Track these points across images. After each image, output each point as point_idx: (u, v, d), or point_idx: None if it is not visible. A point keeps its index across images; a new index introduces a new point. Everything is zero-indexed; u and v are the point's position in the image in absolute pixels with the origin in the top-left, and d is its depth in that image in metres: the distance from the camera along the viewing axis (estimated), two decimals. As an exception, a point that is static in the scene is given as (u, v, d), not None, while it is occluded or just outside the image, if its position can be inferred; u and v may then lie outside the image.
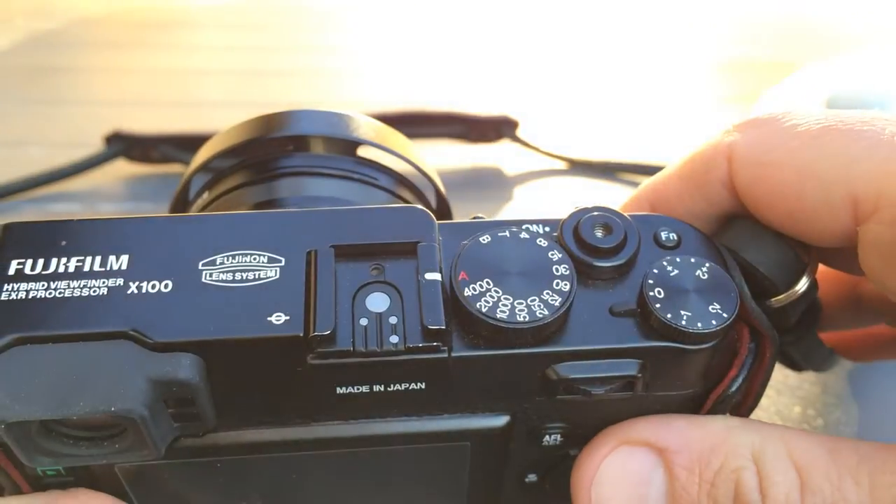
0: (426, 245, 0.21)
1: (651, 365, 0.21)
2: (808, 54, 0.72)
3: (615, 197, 0.53)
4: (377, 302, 0.20)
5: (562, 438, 0.23)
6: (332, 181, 0.28)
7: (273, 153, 0.29)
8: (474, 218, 0.23)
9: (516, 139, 0.56)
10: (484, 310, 0.19)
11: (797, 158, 0.21)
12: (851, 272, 0.25)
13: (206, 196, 0.29)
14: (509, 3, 0.88)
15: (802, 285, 0.23)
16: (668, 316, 0.20)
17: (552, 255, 0.21)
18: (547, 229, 0.22)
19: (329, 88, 0.68)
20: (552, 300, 0.20)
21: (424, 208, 0.22)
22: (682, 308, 0.20)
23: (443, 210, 0.31)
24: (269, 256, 0.20)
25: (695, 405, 0.23)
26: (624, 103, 0.66)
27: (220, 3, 0.86)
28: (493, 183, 0.55)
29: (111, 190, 0.52)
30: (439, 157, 0.56)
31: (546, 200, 0.53)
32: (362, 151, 0.30)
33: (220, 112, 0.59)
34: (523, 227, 0.22)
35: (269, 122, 0.29)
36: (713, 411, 0.23)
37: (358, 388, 0.20)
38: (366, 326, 0.19)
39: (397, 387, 0.20)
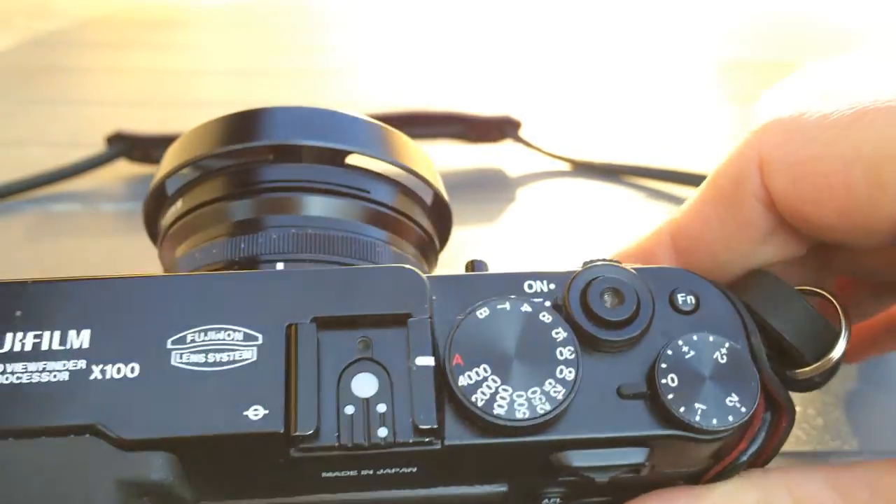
0: (417, 321, 0.19)
1: (659, 450, 0.19)
2: (808, 54, 0.72)
3: (618, 199, 0.53)
4: (364, 385, 0.19)
5: (561, 501, 0.22)
6: (318, 197, 0.25)
7: (251, 163, 0.26)
8: (472, 264, 0.22)
9: (519, 139, 0.56)
10: (480, 404, 0.18)
11: (838, 146, 0.19)
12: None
13: (179, 205, 0.27)
14: (513, 3, 0.88)
15: (836, 353, 0.21)
16: (682, 410, 0.19)
17: (556, 334, 0.19)
18: (552, 286, 0.20)
19: (330, 88, 0.68)
20: (555, 392, 0.18)
21: (414, 269, 0.20)
22: (696, 400, 0.19)
23: (443, 215, 0.29)
24: (244, 333, 0.19)
25: (700, 472, 0.22)
26: (626, 103, 0.66)
27: (220, 3, 0.86)
28: (495, 184, 0.55)
29: (112, 190, 0.52)
30: (441, 158, 0.56)
31: (549, 202, 0.52)
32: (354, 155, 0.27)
33: (221, 112, 0.59)
34: (525, 284, 0.20)
35: (247, 126, 0.26)
36: (717, 479, 0.21)
37: (345, 473, 0.19)
38: (352, 416, 0.18)
39: (387, 470, 0.19)
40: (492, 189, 0.54)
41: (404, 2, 0.88)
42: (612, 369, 0.20)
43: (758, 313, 0.21)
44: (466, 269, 0.23)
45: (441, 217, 0.29)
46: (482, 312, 0.19)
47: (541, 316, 0.19)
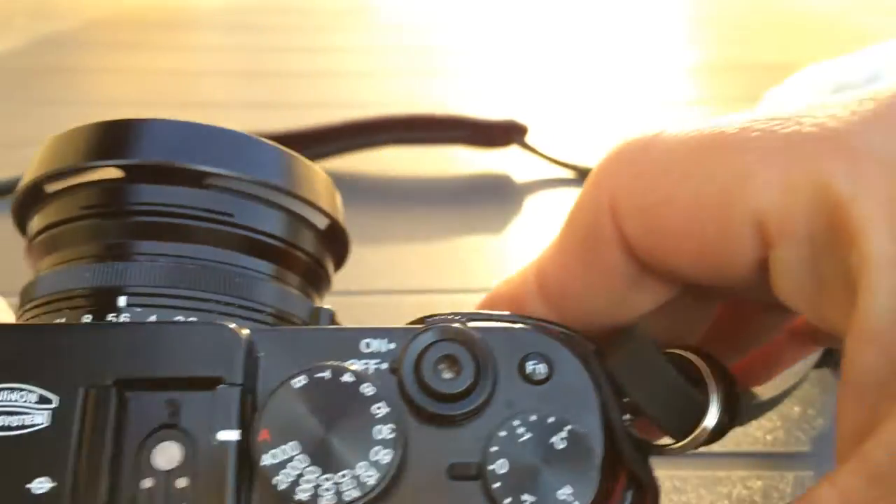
0: (225, 389, 0.17)
1: None
2: (809, 54, 0.72)
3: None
4: (167, 455, 0.17)
5: None
6: (173, 222, 0.23)
7: (105, 182, 0.23)
8: (316, 313, 0.21)
9: (524, 145, 0.56)
10: (281, 487, 0.17)
11: (686, 187, 0.17)
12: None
13: (37, 220, 0.24)
14: (518, 8, 0.88)
15: (708, 423, 0.19)
16: (507, 501, 0.17)
17: (377, 409, 0.17)
18: (392, 346, 0.19)
19: (332, 90, 0.68)
20: (367, 476, 0.17)
21: (232, 326, 0.19)
22: (526, 490, 0.17)
23: (337, 239, 0.26)
24: (40, 394, 0.17)
25: None
26: (633, 111, 0.66)
27: (221, 4, 0.86)
28: (499, 190, 0.54)
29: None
30: (445, 163, 0.56)
31: (553, 210, 0.52)
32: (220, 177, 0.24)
33: (221, 112, 0.59)
34: (363, 342, 0.19)
35: (101, 140, 0.23)
36: None
37: None
38: (149, 490, 0.17)
39: None
40: (496, 195, 0.54)
41: (409, 4, 0.88)
42: (447, 445, 0.18)
43: (619, 383, 0.19)
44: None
45: (334, 241, 0.27)
46: (298, 381, 0.17)
47: (362, 388, 0.18)
